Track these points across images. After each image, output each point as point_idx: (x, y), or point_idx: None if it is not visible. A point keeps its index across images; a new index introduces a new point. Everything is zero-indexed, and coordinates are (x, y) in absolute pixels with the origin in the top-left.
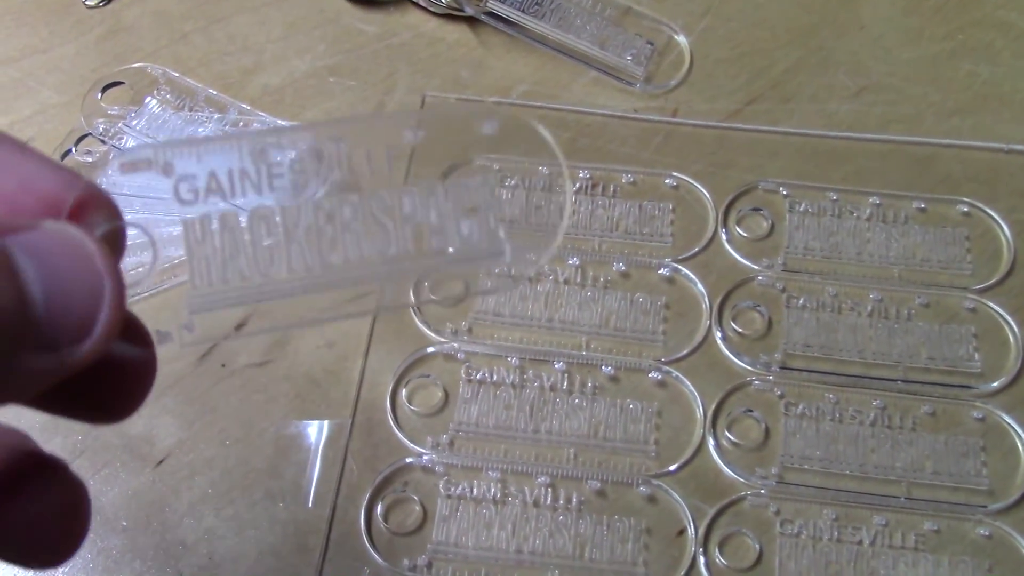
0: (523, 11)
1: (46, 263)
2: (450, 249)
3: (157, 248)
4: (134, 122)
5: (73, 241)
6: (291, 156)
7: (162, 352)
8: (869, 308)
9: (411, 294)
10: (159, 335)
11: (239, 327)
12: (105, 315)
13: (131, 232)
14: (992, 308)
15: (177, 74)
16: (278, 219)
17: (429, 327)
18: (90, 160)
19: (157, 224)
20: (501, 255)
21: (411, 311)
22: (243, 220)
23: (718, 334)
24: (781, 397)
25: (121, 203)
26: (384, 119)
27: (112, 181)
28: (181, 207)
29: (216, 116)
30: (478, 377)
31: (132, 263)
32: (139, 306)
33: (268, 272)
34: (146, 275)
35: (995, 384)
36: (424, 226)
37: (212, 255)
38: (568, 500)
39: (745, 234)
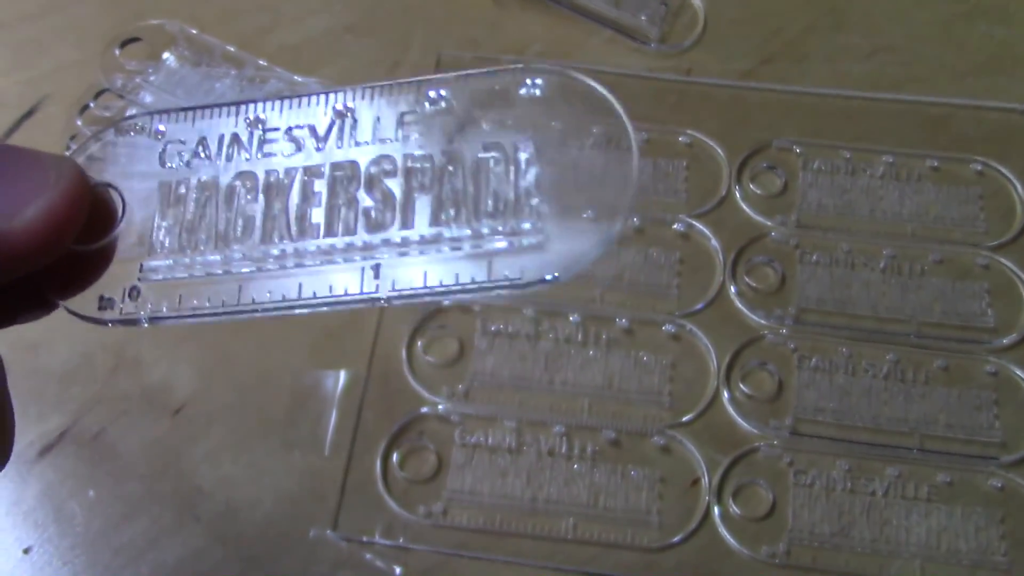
0: None
1: (3, 152)
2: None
3: (129, 206)
4: (152, 77)
5: (47, 154)
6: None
7: (98, 317)
8: (882, 264)
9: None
10: (102, 300)
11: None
12: (47, 199)
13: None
14: (1005, 265)
15: (195, 31)
16: (259, 184)
17: None
18: (108, 114)
19: (131, 187)
20: (541, 240)
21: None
22: (223, 185)
23: (732, 288)
24: (795, 351)
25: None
26: (401, 83)
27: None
28: (162, 171)
29: (233, 72)
30: (493, 329)
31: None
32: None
33: (237, 241)
34: (115, 227)
35: (1007, 339)
36: (428, 205)
37: (178, 218)
38: (583, 449)
39: (759, 191)
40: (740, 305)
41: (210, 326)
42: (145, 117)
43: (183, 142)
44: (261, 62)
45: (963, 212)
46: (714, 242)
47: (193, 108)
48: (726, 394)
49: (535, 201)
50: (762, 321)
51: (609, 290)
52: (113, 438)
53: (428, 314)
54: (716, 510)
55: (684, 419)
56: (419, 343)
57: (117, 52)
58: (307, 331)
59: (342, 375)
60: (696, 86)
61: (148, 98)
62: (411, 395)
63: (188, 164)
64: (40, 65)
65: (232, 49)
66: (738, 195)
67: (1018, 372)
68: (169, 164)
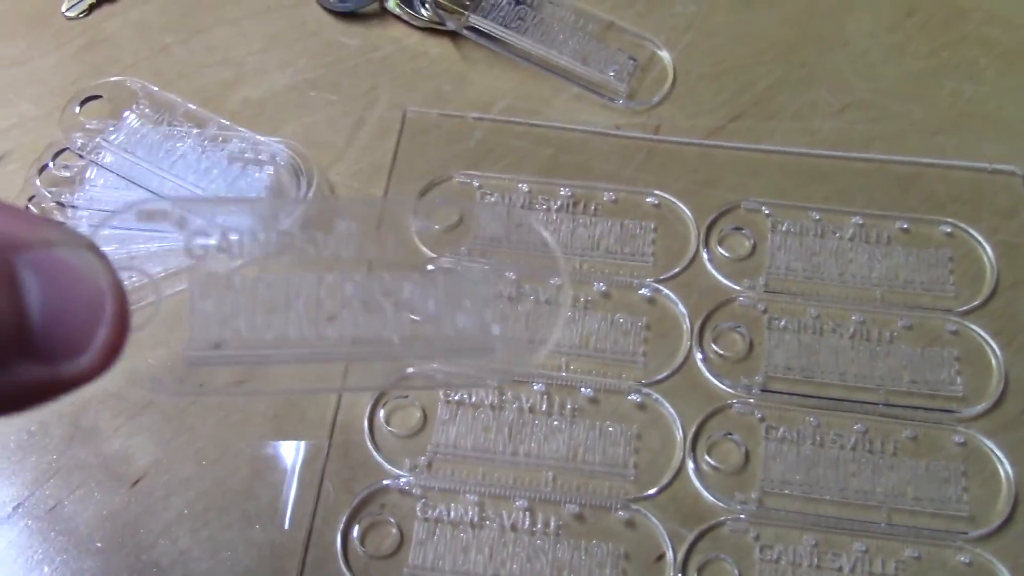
0: (505, 26)
1: (49, 279)
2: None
3: (159, 288)
4: (112, 136)
5: (80, 261)
6: (299, 226)
7: (155, 396)
8: (851, 330)
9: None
10: (153, 382)
11: (239, 383)
12: (104, 332)
13: (131, 277)
14: (975, 331)
15: (156, 88)
16: (282, 286)
17: None
18: (67, 175)
19: (153, 267)
20: (491, 352)
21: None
22: (247, 283)
23: (699, 356)
24: (762, 420)
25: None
26: (395, 202)
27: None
28: (190, 261)
29: (195, 131)
30: (456, 398)
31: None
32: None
33: (265, 337)
34: (151, 317)
35: (977, 408)
36: (421, 313)
37: (213, 313)
38: (546, 524)
39: (727, 254)
40: (707, 373)
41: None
42: (166, 203)
43: (207, 233)
44: (223, 121)
45: (932, 276)
46: (681, 307)
47: (214, 200)
48: (691, 466)
49: (496, 328)
50: (729, 389)
51: (574, 357)
52: (69, 511)
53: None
54: None
55: (649, 492)
56: (381, 412)
57: (77, 110)
58: (267, 401)
59: (302, 446)
60: (664, 144)
61: (108, 158)
62: (373, 467)
63: (212, 256)
64: None
65: (194, 107)
66: (706, 258)
67: (987, 442)
68: (196, 253)
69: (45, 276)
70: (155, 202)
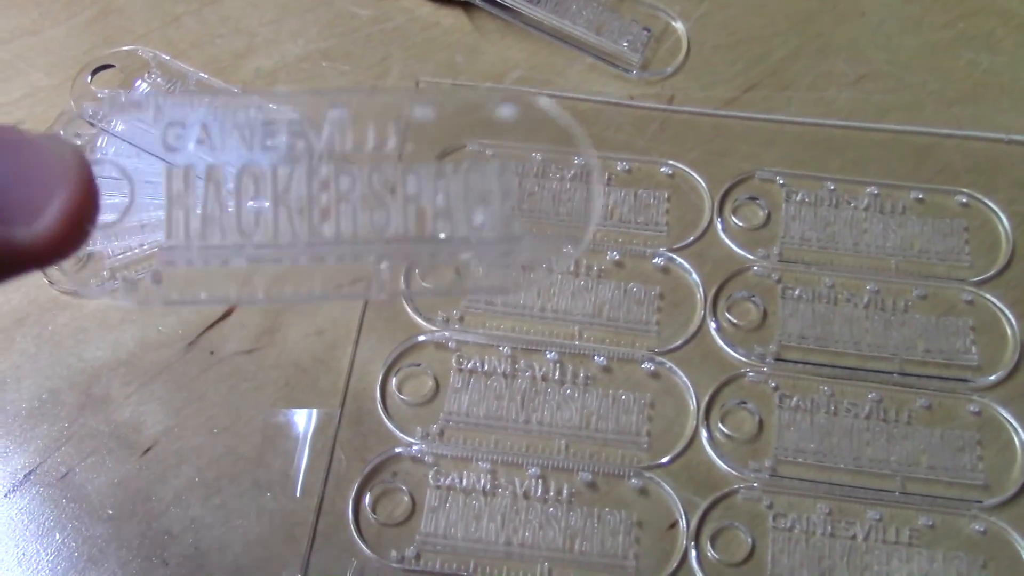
0: None
1: (11, 147)
2: (443, 235)
3: (133, 183)
4: None
5: (45, 139)
6: (289, 116)
7: (125, 303)
8: (866, 299)
9: (402, 282)
10: (126, 283)
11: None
12: (63, 199)
13: (107, 171)
14: (990, 300)
15: (168, 57)
16: (268, 179)
17: (420, 315)
18: (78, 143)
19: (135, 166)
20: (516, 250)
21: (402, 298)
22: (231, 176)
23: (712, 325)
24: (775, 389)
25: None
26: (394, 93)
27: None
28: (167, 154)
29: (207, 100)
30: (469, 366)
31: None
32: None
33: (250, 235)
34: (125, 209)
35: (992, 377)
36: (428, 208)
37: (192, 208)
38: (559, 492)
39: (741, 223)
40: (720, 342)
41: (179, 364)
42: (142, 96)
43: (183, 125)
44: (235, 89)
45: (948, 245)
46: (695, 276)
47: (193, 95)
48: (705, 434)
49: (516, 226)
50: (742, 358)
51: (587, 326)
52: (81, 479)
53: (403, 351)
54: (694, 554)
55: (662, 460)
56: (393, 380)
57: (89, 79)
58: (279, 368)
59: (314, 414)
60: (678, 114)
61: (119, 127)
62: (385, 434)
63: (190, 148)
64: (10, 91)
65: (205, 76)
66: (720, 228)
67: (1002, 411)
68: (171, 146)
69: (6, 145)
70: (131, 93)
